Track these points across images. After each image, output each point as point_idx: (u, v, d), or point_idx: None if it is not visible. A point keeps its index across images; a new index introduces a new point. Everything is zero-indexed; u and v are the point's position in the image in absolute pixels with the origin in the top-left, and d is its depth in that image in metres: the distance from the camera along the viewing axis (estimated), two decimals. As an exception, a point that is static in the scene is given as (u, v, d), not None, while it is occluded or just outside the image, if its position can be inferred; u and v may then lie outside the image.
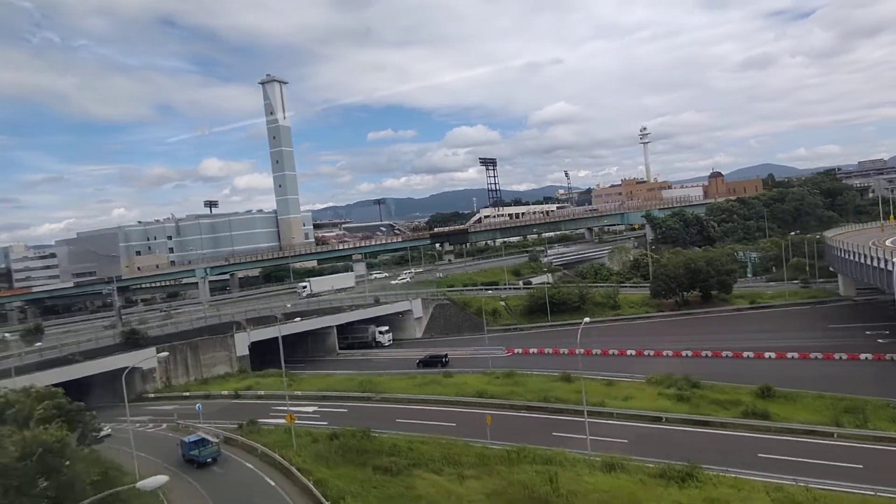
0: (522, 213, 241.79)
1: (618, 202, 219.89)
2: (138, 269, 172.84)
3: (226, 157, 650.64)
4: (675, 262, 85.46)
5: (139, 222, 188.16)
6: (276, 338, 52.74)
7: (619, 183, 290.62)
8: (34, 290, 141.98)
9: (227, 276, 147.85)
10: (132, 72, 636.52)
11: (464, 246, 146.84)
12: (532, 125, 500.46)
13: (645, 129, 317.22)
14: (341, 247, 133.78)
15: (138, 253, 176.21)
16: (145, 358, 61.68)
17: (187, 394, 62.46)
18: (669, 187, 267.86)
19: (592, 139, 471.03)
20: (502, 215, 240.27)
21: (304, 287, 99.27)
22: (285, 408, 45.43)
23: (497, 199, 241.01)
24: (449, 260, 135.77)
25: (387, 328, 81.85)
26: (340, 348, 79.45)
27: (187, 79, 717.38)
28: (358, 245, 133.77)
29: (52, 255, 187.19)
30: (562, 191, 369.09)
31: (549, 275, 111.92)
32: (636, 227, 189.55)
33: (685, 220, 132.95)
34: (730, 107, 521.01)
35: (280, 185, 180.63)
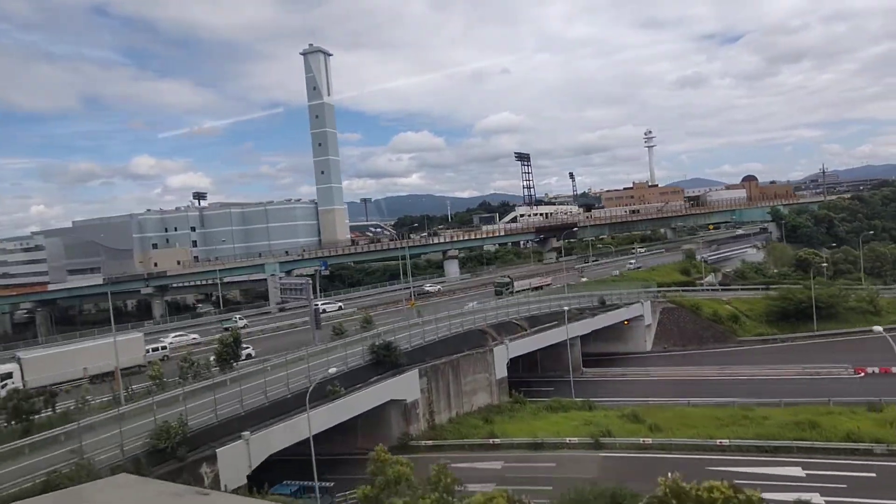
0: (550, 213, 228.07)
1: (662, 203, 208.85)
2: (155, 265, 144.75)
3: (159, 155, 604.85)
4: None
5: (148, 210, 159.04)
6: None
7: (631, 186, 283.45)
8: (49, 287, 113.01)
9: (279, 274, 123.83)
10: (59, 61, 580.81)
11: (562, 242, 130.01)
12: (477, 133, 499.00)
13: (650, 132, 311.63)
14: (437, 240, 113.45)
15: (155, 246, 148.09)
16: (409, 386, 41.48)
17: (471, 442, 42.00)
18: (681, 191, 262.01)
19: (534, 149, 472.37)
20: (538, 214, 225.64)
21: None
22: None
23: (532, 196, 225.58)
24: (556, 258, 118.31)
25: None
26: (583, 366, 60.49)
27: (119, 71, 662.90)
28: (458, 238, 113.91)
29: (38, 248, 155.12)
30: (553, 194, 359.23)
31: (713, 275, 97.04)
32: (710, 227, 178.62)
33: (816, 218, 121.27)
34: (664, 123, 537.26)
35: (323, 172, 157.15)
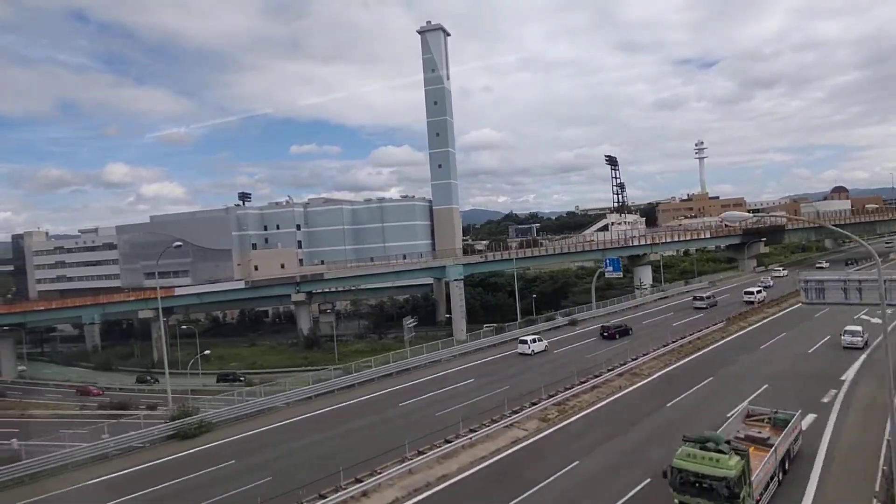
0: (634, 221, 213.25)
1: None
2: (255, 268, 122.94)
3: (133, 162, 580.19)
4: None
5: (235, 205, 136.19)
6: None
7: (688, 198, 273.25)
8: (177, 292, 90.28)
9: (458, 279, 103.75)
10: (33, 65, 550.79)
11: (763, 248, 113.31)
12: (457, 149, 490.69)
13: (702, 143, 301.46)
14: (634, 243, 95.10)
15: (254, 246, 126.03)
16: None
17: None
18: (741, 204, 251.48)
19: (514, 166, 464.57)
20: (627, 222, 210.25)
21: None
22: None
23: (622, 202, 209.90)
24: (756, 265, 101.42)
25: None
26: None
27: (96, 77, 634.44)
28: (659, 241, 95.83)
29: (109, 247, 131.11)
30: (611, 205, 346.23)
31: None
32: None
33: None
34: (640, 143, 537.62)
35: (440, 165, 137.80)
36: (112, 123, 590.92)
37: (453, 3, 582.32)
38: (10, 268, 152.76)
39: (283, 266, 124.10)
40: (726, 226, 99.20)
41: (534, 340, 51.94)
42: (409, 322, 78.91)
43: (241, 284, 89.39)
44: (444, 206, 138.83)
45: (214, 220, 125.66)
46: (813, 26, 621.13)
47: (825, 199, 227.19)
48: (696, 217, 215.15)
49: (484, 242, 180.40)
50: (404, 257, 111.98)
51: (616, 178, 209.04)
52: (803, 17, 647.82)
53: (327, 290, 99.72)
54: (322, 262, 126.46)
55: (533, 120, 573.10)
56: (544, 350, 51.84)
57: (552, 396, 35.45)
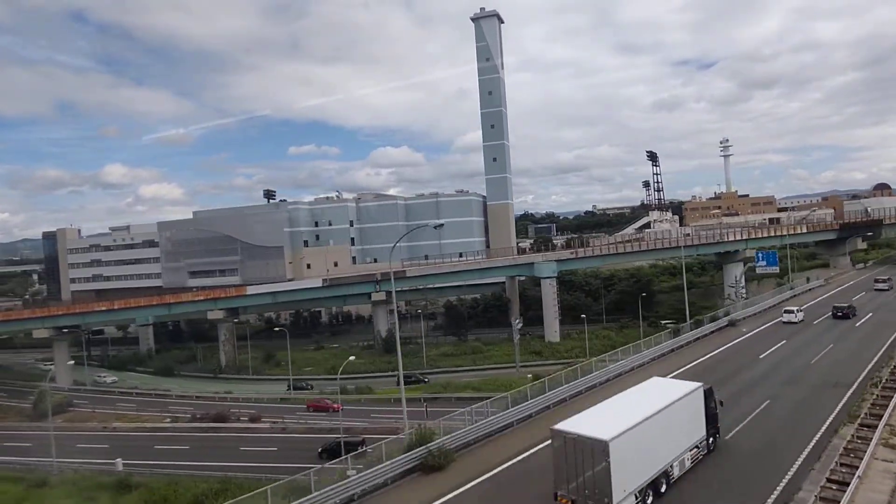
0: (674, 219, 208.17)
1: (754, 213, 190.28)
2: (308, 266, 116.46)
3: (131, 163, 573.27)
4: None
5: (282, 200, 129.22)
6: None
7: (714, 196, 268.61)
8: (249, 291, 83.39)
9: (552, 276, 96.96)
10: (32, 65, 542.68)
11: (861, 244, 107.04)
12: (456, 150, 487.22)
13: (727, 140, 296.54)
14: (732, 238, 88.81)
15: (305, 244, 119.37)
16: None
17: None
18: (773, 201, 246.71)
19: (513, 167, 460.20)
20: (666, 220, 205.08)
21: None
22: None
23: (662, 200, 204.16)
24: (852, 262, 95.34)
25: None
26: None
27: (95, 78, 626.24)
28: (750, 236, 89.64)
29: (149, 244, 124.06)
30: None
31: None
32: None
33: None
34: (639, 144, 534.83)
35: (495, 159, 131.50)
36: (110, 124, 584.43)
37: (452, 4, 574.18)
38: (35, 268, 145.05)
39: (336, 264, 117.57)
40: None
41: (798, 310, 55.31)
42: (517, 323, 72.96)
43: (319, 283, 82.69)
44: (500, 202, 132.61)
45: (265, 215, 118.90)
46: (812, 27, 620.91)
47: (867, 196, 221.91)
48: (736, 215, 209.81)
49: (528, 241, 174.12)
50: (460, 255, 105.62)
51: (657, 174, 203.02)
52: (802, 18, 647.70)
53: (405, 289, 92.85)
54: (375, 261, 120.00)
55: (532, 121, 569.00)
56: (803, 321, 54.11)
57: None
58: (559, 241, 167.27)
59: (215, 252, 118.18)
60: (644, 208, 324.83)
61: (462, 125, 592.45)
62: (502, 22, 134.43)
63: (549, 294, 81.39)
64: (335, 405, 56.36)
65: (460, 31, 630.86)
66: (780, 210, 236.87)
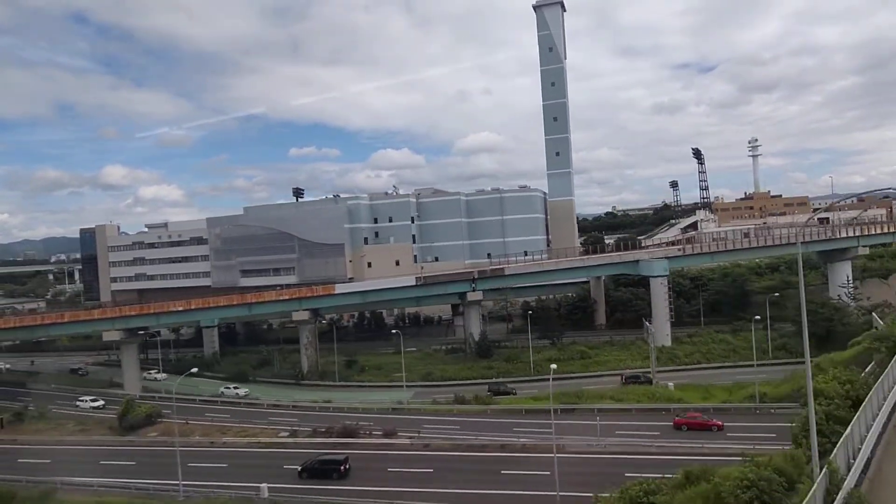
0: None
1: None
2: (369, 265, 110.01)
3: (131, 164, 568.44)
4: None
5: (334, 196, 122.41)
6: None
7: (745, 197, 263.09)
8: (337, 289, 76.68)
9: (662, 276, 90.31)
10: (32, 66, 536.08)
11: None
12: (456, 152, 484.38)
13: (756, 140, 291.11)
14: (841, 234, 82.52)
15: (365, 241, 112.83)
16: None
17: None
18: (807, 202, 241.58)
19: (513, 170, 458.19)
20: (713, 219, 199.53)
21: None
22: None
23: (707, 199, 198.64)
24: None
25: None
26: None
27: (94, 79, 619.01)
28: (861, 233, 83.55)
29: (198, 242, 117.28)
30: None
31: None
32: None
33: None
34: (638, 147, 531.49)
35: (557, 153, 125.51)
36: (110, 125, 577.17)
37: (452, 6, 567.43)
38: (50, 268, 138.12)
39: (397, 263, 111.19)
40: None
41: None
42: (649, 327, 66.68)
43: (412, 281, 76.09)
44: (562, 199, 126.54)
45: (324, 211, 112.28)
46: (811, 31, 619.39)
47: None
48: (783, 215, 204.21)
49: (579, 240, 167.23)
50: (525, 254, 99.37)
51: (703, 172, 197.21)
52: (802, 22, 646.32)
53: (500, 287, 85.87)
54: (436, 259, 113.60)
55: (532, 123, 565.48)
56: None
57: None
58: (610, 241, 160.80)
59: (269, 250, 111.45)
60: (667, 209, 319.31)
61: (462, 127, 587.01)
62: (565, 10, 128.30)
63: (661, 294, 75.08)
64: (716, 421, 46.06)
65: (460, 32, 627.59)
66: (814, 210, 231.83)
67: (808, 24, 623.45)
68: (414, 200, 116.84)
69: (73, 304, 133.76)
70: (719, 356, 70.46)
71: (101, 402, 67.01)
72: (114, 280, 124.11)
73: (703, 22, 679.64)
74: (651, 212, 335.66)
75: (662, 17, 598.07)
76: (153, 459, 48.95)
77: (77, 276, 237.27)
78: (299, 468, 42.21)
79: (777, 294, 77.85)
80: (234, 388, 68.51)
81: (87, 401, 67.77)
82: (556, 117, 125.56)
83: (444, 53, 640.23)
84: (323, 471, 41.31)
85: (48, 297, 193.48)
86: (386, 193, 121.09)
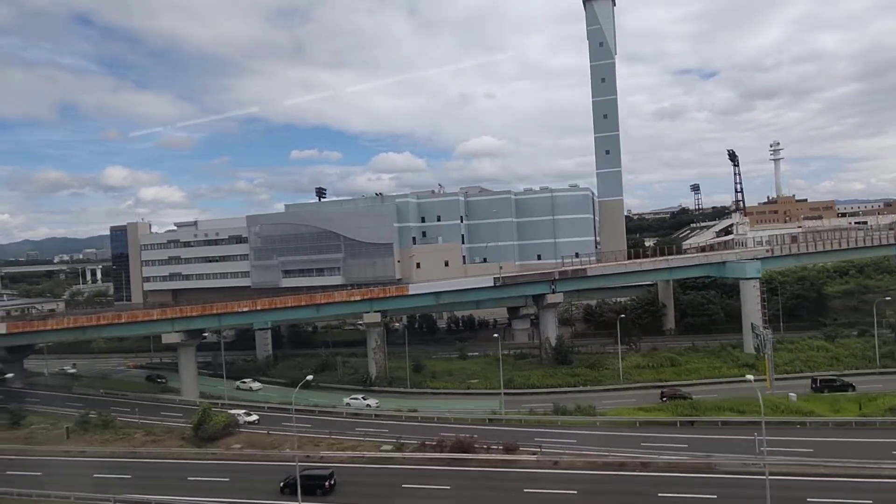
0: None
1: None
2: (418, 265, 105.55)
3: (132, 166, 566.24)
4: None
5: (377, 194, 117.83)
6: None
7: (768, 201, 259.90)
8: (411, 290, 71.96)
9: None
10: (34, 67, 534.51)
11: None
12: (458, 156, 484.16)
13: (777, 143, 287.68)
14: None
15: (413, 241, 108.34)
16: None
17: None
18: (833, 206, 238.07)
19: (514, 174, 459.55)
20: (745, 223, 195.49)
21: None
22: None
23: (742, 202, 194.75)
24: None
25: None
26: None
27: (97, 80, 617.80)
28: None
29: (237, 240, 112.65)
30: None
31: None
32: None
33: None
34: (640, 153, 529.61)
35: (607, 152, 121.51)
36: (112, 127, 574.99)
37: (454, 11, 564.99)
38: (62, 267, 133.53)
39: (446, 264, 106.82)
40: None
41: None
42: (767, 331, 62.19)
43: (490, 282, 71.40)
44: (612, 198, 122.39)
45: (372, 209, 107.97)
46: (812, 38, 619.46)
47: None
48: (819, 219, 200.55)
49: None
50: (576, 255, 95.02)
51: (738, 174, 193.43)
52: (803, 29, 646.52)
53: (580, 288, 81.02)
54: (485, 260, 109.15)
55: (533, 128, 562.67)
56: None
57: None
58: (649, 243, 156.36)
59: (313, 249, 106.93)
60: (685, 213, 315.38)
61: (464, 131, 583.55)
62: (615, 4, 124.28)
63: (753, 297, 70.62)
64: None
65: (462, 36, 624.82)
66: (840, 216, 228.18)
67: (810, 31, 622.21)
68: (463, 199, 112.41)
69: (98, 305, 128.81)
70: (823, 364, 65.77)
71: (255, 417, 58.19)
72: (146, 279, 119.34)
73: (706, 29, 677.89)
74: (668, 216, 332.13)
75: (664, 23, 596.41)
76: (248, 475, 44.24)
77: (97, 275, 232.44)
78: (281, 484, 39.55)
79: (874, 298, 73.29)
80: (363, 398, 61.94)
81: (240, 414, 56.79)
82: (605, 114, 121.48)
83: (447, 57, 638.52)
84: (306, 487, 36.79)
85: (65, 297, 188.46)
86: (433, 192, 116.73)
